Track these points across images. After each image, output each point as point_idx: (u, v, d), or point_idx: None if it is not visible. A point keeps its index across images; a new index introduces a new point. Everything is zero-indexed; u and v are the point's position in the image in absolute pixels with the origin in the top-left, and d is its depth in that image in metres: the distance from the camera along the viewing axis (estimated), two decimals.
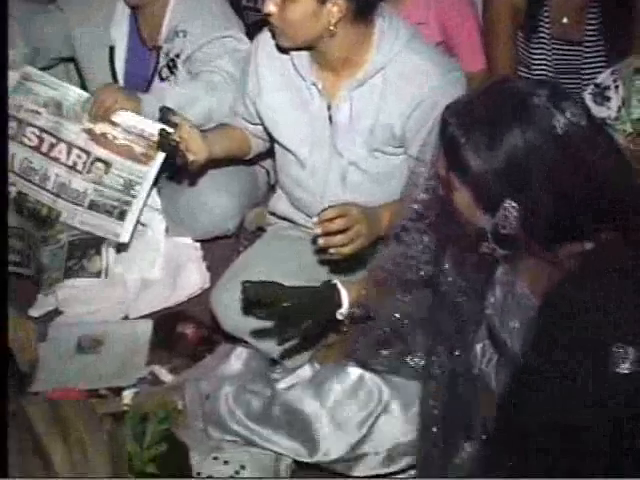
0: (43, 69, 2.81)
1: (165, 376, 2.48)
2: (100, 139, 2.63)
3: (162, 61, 2.74)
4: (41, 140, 2.68)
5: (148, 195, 2.72)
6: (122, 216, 2.68)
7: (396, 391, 2.16)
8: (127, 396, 2.32)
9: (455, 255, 1.85)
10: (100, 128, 2.62)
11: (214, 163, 2.57)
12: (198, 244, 2.88)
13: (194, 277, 2.82)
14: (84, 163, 2.65)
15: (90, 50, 2.85)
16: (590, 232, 1.57)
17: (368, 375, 2.18)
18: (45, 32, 2.85)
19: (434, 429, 1.92)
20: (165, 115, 2.42)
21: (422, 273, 1.94)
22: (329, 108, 2.27)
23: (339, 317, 2.04)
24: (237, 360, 2.38)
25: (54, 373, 2.53)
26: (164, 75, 2.75)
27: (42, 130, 2.67)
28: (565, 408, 1.56)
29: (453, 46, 2.97)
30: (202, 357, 2.54)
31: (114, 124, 2.60)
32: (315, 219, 2.03)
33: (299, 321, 1.95)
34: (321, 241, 2.04)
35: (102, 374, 2.52)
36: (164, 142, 2.41)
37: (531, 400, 1.62)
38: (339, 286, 2.03)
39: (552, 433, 1.59)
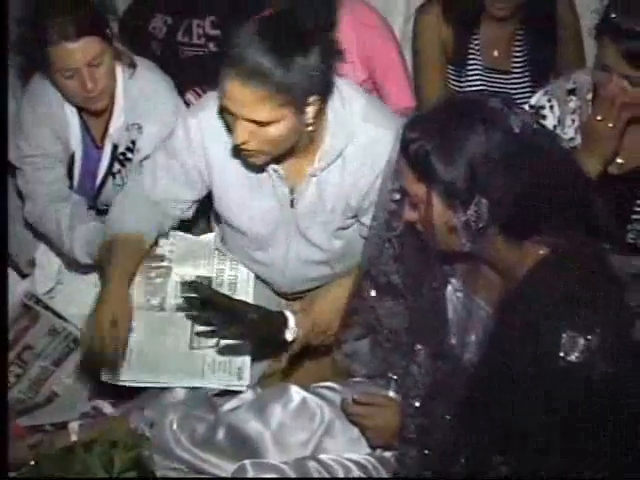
0: None
1: (108, 409, 2.46)
2: None
3: (110, 157, 2.71)
4: None
5: None
6: None
7: (338, 412, 2.17)
8: (73, 428, 2.30)
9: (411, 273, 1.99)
10: None
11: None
12: None
13: None
14: None
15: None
16: (549, 228, 1.70)
17: (310, 397, 2.20)
18: None
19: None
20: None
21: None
22: (292, 192, 2.27)
23: (287, 336, 2.24)
24: (181, 387, 2.36)
25: None
26: (115, 169, 2.74)
27: None
28: (521, 402, 1.67)
29: (380, 82, 2.96)
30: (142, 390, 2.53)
31: None
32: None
33: (243, 322, 2.13)
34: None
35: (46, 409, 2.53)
36: None
37: (488, 402, 1.75)
38: (287, 313, 2.25)
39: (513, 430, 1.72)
